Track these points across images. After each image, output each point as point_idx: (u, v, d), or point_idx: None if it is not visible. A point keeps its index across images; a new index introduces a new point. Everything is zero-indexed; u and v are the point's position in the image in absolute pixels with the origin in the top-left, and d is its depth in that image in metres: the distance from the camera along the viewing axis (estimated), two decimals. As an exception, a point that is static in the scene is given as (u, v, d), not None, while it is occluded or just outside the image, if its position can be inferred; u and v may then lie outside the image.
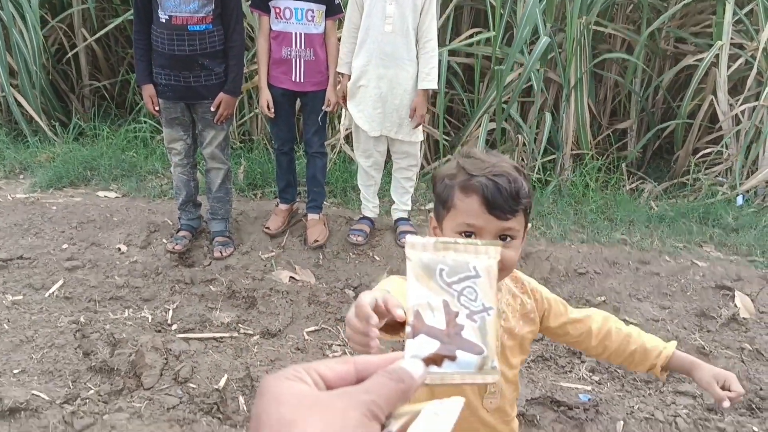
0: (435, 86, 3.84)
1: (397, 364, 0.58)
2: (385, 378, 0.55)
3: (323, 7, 3.73)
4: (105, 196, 4.69)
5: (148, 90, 3.64)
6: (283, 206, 4.18)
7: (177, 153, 3.85)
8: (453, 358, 0.63)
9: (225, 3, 3.55)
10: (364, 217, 4.16)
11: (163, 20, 3.48)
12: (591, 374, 3.13)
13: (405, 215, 4.16)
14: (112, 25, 5.83)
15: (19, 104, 5.59)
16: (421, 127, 3.92)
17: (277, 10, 3.71)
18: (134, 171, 5.02)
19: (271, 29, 3.78)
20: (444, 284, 0.66)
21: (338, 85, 3.90)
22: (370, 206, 4.15)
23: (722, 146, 5.21)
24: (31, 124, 5.72)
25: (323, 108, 3.87)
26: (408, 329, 0.63)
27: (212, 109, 3.66)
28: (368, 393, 0.53)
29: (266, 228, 4.10)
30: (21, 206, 4.43)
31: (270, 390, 0.52)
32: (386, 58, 3.71)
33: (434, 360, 0.62)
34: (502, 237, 1.36)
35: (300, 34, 3.72)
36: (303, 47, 3.74)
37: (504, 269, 1.31)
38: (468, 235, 1.36)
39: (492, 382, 0.62)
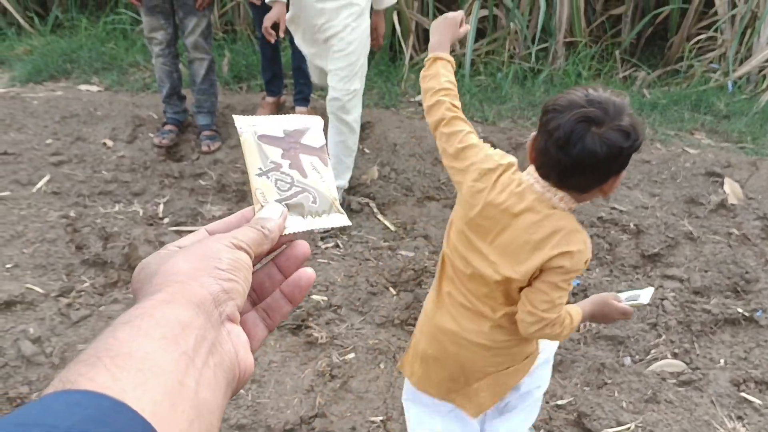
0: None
1: (256, 215, 0.59)
2: (246, 227, 0.56)
3: None
4: (87, 90, 4.57)
5: None
6: (269, 99, 4.09)
7: (158, 43, 3.72)
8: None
9: None
10: None
11: None
12: (580, 261, 3.17)
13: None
14: None
15: (-9, -6, 5.37)
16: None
17: None
18: (115, 64, 4.88)
19: None
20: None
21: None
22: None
23: (716, 31, 5.10)
24: (5, 16, 5.50)
25: None
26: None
27: (197, 6, 3.53)
28: (230, 234, 0.54)
29: None
30: (1, 101, 4.32)
31: (135, 270, 0.53)
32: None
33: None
34: None
35: None
36: None
37: None
38: None
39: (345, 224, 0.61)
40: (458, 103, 1.71)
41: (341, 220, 0.61)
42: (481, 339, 1.65)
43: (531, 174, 1.52)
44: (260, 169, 0.60)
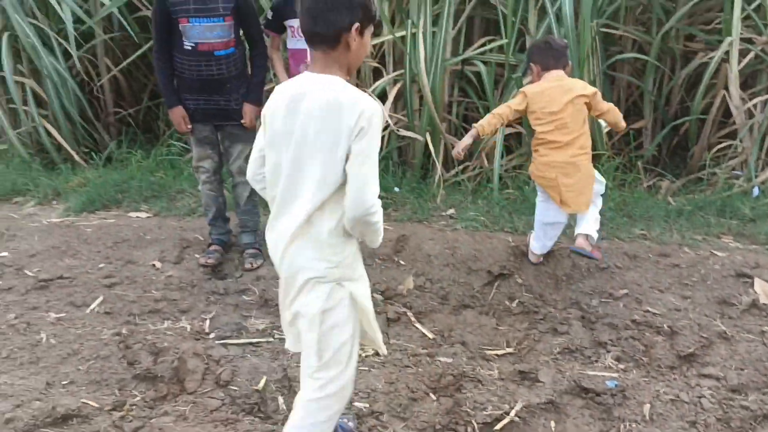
0: None
1: None
2: None
3: None
4: (137, 217, 4.86)
5: (179, 111, 3.82)
6: None
7: (205, 171, 4.01)
8: None
9: (246, 24, 3.75)
10: None
11: (189, 48, 3.64)
12: (617, 363, 3.22)
13: None
14: (134, 56, 6.07)
15: (49, 134, 5.82)
16: None
17: (292, 29, 3.87)
18: (163, 191, 5.19)
19: (288, 48, 3.95)
20: None
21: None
22: None
23: (737, 140, 5.28)
24: (60, 153, 5.93)
25: None
26: None
27: (242, 122, 3.87)
28: None
29: None
30: (57, 229, 4.61)
31: None
32: None
33: None
34: None
35: None
36: None
37: None
38: None
39: None
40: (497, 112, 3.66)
41: None
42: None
43: (548, 79, 3.62)
44: None
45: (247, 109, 3.85)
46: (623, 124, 3.76)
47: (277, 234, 2.15)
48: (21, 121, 5.90)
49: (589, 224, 3.72)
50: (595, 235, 3.74)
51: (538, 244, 3.92)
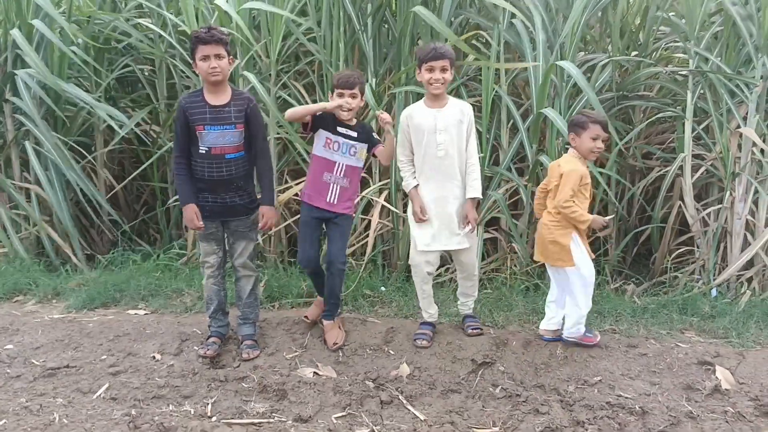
0: (480, 195, 4.39)
1: None
2: None
3: (365, 146, 4.37)
4: (135, 313, 5.11)
5: (192, 208, 4.15)
6: (320, 298, 4.64)
7: (210, 266, 4.33)
8: None
9: (252, 130, 4.18)
10: (425, 323, 4.60)
11: (203, 151, 4.06)
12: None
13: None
14: (135, 173, 6.51)
15: (50, 237, 6.12)
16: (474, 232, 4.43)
17: (329, 141, 4.31)
18: (160, 291, 5.46)
19: (315, 155, 4.37)
20: None
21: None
22: (431, 312, 4.63)
23: (695, 246, 5.76)
24: (59, 255, 6.20)
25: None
26: None
27: (260, 227, 4.29)
28: None
29: (305, 318, 4.64)
30: (60, 324, 4.84)
31: None
32: (441, 179, 4.30)
33: None
34: None
35: (342, 164, 4.32)
36: (342, 176, 4.33)
37: None
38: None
39: None
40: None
41: None
42: None
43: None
44: None
45: (264, 210, 4.28)
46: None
47: None
48: (22, 225, 6.20)
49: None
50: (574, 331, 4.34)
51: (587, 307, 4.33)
